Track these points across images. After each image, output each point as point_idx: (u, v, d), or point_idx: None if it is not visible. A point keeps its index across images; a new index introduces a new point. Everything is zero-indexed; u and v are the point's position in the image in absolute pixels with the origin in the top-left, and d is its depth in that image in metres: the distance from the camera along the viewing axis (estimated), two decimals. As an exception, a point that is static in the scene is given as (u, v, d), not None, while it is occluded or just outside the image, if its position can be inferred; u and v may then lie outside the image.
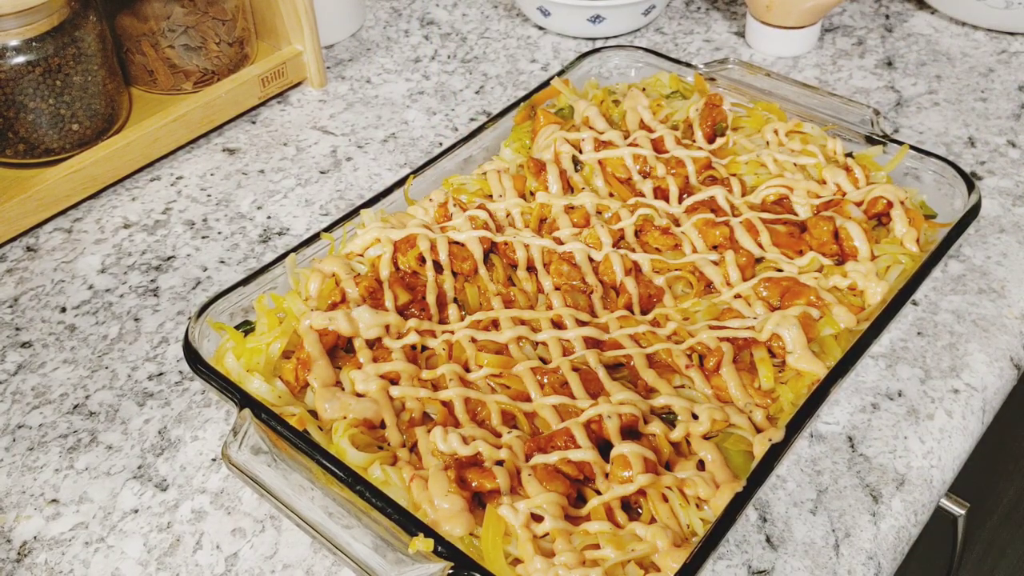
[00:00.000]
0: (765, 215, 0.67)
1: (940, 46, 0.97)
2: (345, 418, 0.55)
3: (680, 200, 0.70)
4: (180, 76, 0.86)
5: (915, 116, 0.87)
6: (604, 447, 0.53)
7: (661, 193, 0.70)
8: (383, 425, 0.55)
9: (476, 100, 0.92)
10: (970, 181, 0.67)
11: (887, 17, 1.02)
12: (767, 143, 0.74)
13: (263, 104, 0.91)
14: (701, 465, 0.53)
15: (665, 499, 0.51)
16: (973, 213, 0.65)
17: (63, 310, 0.71)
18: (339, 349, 0.60)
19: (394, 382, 0.57)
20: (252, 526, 0.57)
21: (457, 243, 0.65)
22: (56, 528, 0.57)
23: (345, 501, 0.51)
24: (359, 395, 0.56)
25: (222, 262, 0.75)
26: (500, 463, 0.52)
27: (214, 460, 0.60)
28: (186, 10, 0.83)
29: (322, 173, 0.84)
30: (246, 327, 0.61)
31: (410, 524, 0.48)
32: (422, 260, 0.64)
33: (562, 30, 1.00)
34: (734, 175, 0.71)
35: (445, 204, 0.69)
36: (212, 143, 0.88)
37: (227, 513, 0.57)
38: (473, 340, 0.59)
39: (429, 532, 0.48)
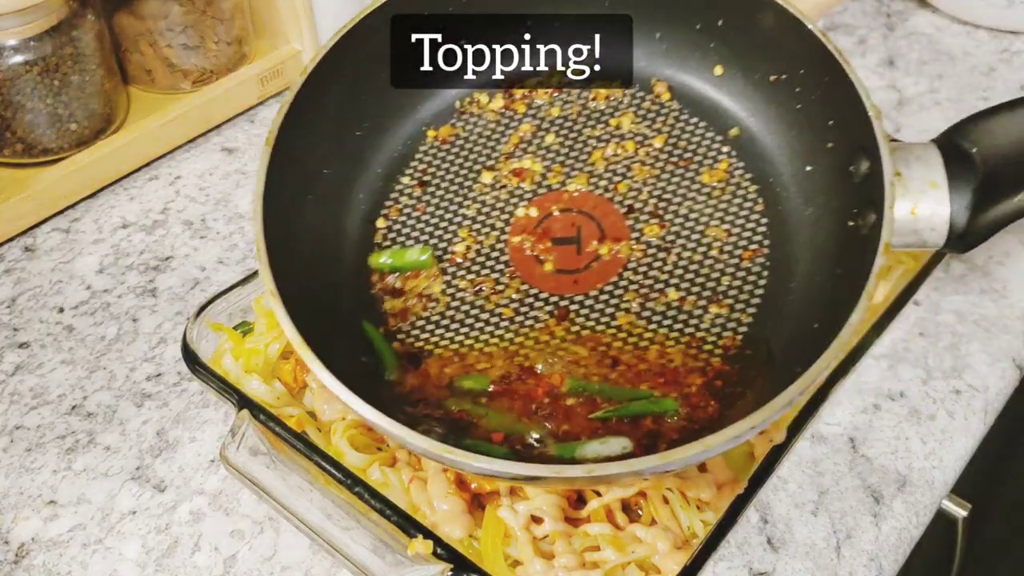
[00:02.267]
0: (766, 215, 0.67)
1: (942, 45, 0.96)
2: (344, 419, 0.54)
3: (680, 200, 0.69)
4: (178, 75, 0.86)
5: (917, 115, 0.87)
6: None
7: (661, 193, 0.70)
8: (382, 426, 0.55)
9: (476, 99, 0.92)
10: (972, 181, 0.67)
11: (888, 16, 1.01)
12: (768, 142, 0.74)
13: (262, 103, 0.91)
14: (702, 466, 0.53)
15: (666, 501, 0.50)
16: (975, 213, 0.65)
17: (61, 310, 0.71)
18: (338, 350, 0.60)
19: (393, 383, 0.57)
20: (251, 528, 0.56)
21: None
22: (54, 529, 0.57)
23: (344, 503, 0.50)
24: (358, 396, 0.56)
25: (221, 262, 0.75)
26: (500, 464, 0.52)
27: (212, 461, 0.60)
28: (184, 9, 0.83)
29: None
30: (244, 328, 0.60)
31: (409, 526, 0.48)
32: (421, 260, 0.64)
33: (562, 29, 0.99)
34: (735, 175, 0.71)
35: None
36: (211, 142, 0.87)
37: (225, 514, 0.57)
38: (473, 341, 0.59)
39: (428, 534, 0.47)
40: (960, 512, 0.67)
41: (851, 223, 0.46)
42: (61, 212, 0.80)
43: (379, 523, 0.49)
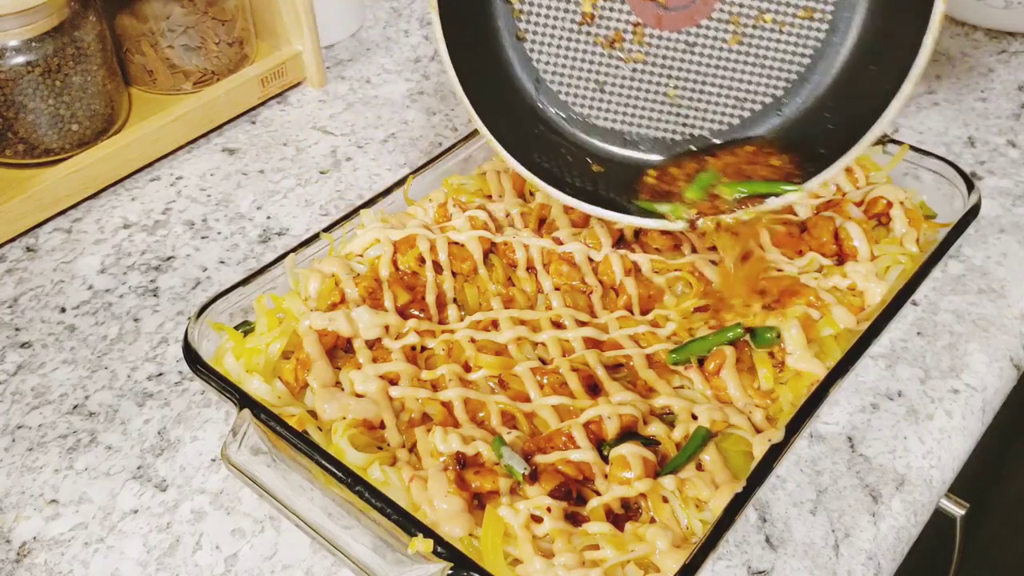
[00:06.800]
0: (765, 215, 0.67)
1: (940, 46, 0.97)
2: (344, 418, 0.55)
3: (680, 200, 0.69)
4: (180, 76, 0.86)
5: (915, 116, 0.87)
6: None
7: (661, 193, 0.70)
8: (383, 426, 0.55)
9: (476, 100, 0.92)
10: (970, 181, 0.67)
11: (887, 17, 1.02)
12: (767, 143, 0.74)
13: (263, 104, 0.91)
14: (700, 466, 0.53)
15: (665, 500, 0.51)
16: (973, 213, 0.65)
17: (63, 310, 0.71)
18: (339, 349, 0.60)
19: (394, 382, 0.57)
20: (252, 526, 0.57)
21: (457, 243, 0.65)
22: (55, 528, 0.57)
23: (344, 501, 0.51)
24: (358, 395, 0.56)
25: (222, 262, 0.75)
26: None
27: (213, 460, 0.60)
28: (185, 10, 0.83)
29: (322, 173, 0.84)
30: (245, 327, 0.61)
31: (409, 524, 0.48)
32: (422, 260, 0.64)
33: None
34: (734, 175, 0.71)
35: (445, 204, 0.69)
36: (212, 143, 0.88)
37: (227, 513, 0.57)
38: (473, 340, 0.59)
39: (428, 532, 0.48)
40: (958, 511, 0.67)
41: None
42: (63, 212, 0.80)
43: (379, 522, 0.49)
